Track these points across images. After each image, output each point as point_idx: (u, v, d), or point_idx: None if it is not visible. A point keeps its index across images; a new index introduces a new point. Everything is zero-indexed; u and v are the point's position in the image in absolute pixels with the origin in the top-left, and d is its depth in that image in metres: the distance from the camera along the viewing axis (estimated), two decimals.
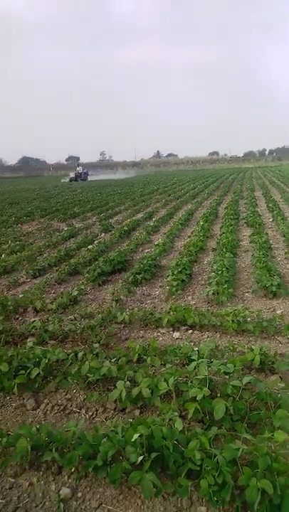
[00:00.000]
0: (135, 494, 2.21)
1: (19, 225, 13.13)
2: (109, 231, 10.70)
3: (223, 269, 5.77)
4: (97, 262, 6.72)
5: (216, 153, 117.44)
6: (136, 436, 2.24)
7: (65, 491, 2.24)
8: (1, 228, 12.13)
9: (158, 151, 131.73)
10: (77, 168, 55.79)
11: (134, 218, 12.63)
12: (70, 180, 50.54)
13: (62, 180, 49.40)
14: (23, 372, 3.26)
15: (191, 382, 2.85)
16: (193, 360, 3.12)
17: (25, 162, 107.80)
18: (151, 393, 2.86)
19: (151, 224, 10.92)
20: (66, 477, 2.36)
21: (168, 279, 5.65)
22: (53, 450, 2.37)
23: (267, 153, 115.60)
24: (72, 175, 53.11)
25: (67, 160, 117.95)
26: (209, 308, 4.86)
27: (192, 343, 3.85)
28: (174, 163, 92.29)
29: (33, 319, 4.71)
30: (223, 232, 8.88)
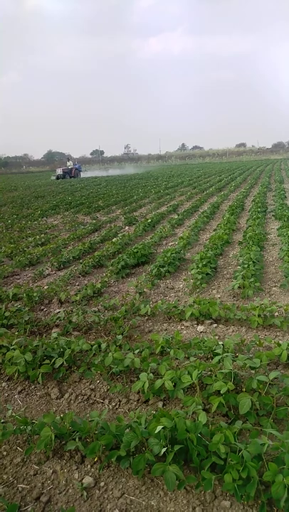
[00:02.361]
0: (158, 486, 2.20)
1: (44, 218, 13.34)
2: (134, 224, 10.69)
3: (250, 262, 5.64)
4: (120, 255, 6.72)
5: (243, 144, 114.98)
6: (159, 428, 2.22)
7: (88, 480, 2.26)
8: (27, 221, 12.36)
9: (183, 144, 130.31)
10: (68, 163, 45.82)
11: (158, 211, 12.57)
12: (57, 177, 41.10)
13: (52, 178, 41.34)
14: (47, 362, 3.31)
15: (215, 376, 2.80)
16: (218, 354, 3.07)
17: (51, 156, 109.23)
18: (174, 386, 2.83)
19: (176, 217, 10.82)
20: (89, 466, 2.37)
21: (192, 272, 5.58)
22: (77, 439, 2.39)
23: None
24: (59, 171, 42.70)
25: (91, 154, 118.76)
26: (235, 302, 4.77)
27: (217, 337, 3.79)
28: (199, 155, 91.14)
29: (58, 310, 4.78)
30: (250, 225, 8.69)
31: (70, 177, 42.29)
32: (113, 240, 8.27)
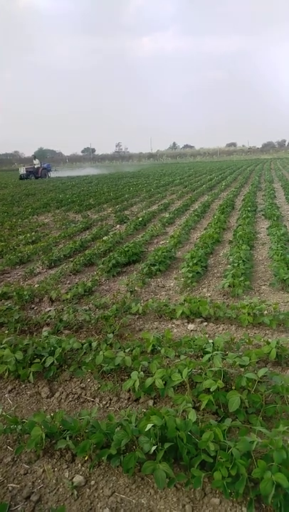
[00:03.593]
0: (148, 484, 2.21)
1: (35, 216, 13.25)
2: (125, 222, 10.68)
3: (240, 261, 5.69)
4: (112, 253, 6.72)
5: (233, 144, 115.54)
6: (149, 426, 2.23)
7: (78, 479, 2.26)
8: (17, 219, 12.26)
9: (174, 143, 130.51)
10: (34, 161, 40.25)
11: (149, 210, 12.57)
12: (20, 177, 36.87)
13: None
14: (38, 360, 3.30)
15: (205, 374, 2.82)
16: (208, 352, 3.10)
17: (42, 154, 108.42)
18: (165, 384, 2.85)
19: (167, 216, 10.84)
20: (80, 465, 2.37)
21: (183, 271, 5.60)
22: (67, 438, 2.39)
23: (287, 144, 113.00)
24: (22, 170, 37.94)
25: (82, 151, 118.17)
26: (225, 300, 4.80)
27: (207, 336, 3.81)
28: (190, 154, 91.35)
29: (48, 309, 4.76)
30: (240, 224, 8.75)
31: (36, 177, 37.72)
32: (104, 239, 8.26)
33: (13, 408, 2.97)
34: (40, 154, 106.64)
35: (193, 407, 2.54)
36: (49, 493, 2.21)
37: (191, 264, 5.72)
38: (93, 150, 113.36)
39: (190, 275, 5.37)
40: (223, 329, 4.03)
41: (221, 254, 6.92)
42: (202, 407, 2.61)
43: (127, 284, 5.31)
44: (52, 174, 42.46)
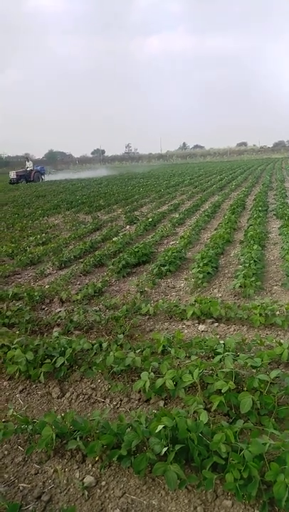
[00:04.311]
0: (159, 485, 2.19)
1: (46, 217, 13.34)
2: (134, 223, 10.68)
3: (251, 261, 5.63)
4: (121, 254, 6.72)
5: (244, 144, 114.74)
6: (160, 427, 2.22)
7: (89, 479, 2.26)
8: (28, 221, 12.36)
9: (184, 143, 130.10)
10: (27, 164, 37.37)
11: (159, 210, 12.56)
12: (11, 182, 34.17)
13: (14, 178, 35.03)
14: (48, 361, 3.31)
15: (217, 375, 2.80)
16: (219, 353, 3.06)
17: (52, 156, 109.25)
18: (176, 385, 2.83)
19: (177, 216, 10.81)
20: (90, 465, 2.37)
21: (193, 272, 5.57)
22: (78, 439, 2.39)
23: None
24: (12, 175, 35.07)
25: (92, 153, 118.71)
26: (236, 301, 4.76)
27: (218, 336, 3.78)
28: (200, 155, 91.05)
29: (59, 310, 4.78)
30: (251, 224, 8.68)
31: (28, 181, 35.15)
32: (114, 239, 8.27)
33: (24, 408, 2.98)
34: (50, 156, 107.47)
35: (204, 409, 2.52)
36: (60, 493, 2.20)
37: (201, 264, 5.69)
38: (103, 151, 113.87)
39: (200, 276, 5.34)
40: (235, 330, 3.99)
41: (231, 255, 6.87)
42: (213, 408, 2.59)
43: (137, 285, 5.30)
44: (58, 176, 41.46)
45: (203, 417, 2.34)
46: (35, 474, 2.35)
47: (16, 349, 3.39)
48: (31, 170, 36.49)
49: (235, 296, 4.94)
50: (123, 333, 3.84)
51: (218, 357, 2.95)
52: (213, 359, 3.09)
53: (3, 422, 2.66)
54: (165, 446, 2.16)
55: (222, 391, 2.60)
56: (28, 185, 32.66)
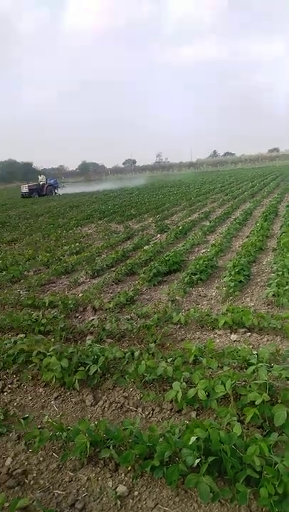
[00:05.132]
0: (192, 497, 2.18)
1: (79, 227, 13.64)
2: (165, 232, 10.71)
3: (284, 269, 5.50)
4: (152, 263, 6.76)
5: (276, 149, 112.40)
6: (193, 438, 2.21)
7: (121, 489, 2.27)
8: (62, 231, 12.68)
9: (214, 151, 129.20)
10: (39, 178, 37.34)
11: (190, 219, 12.54)
12: (22, 196, 34.14)
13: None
14: (82, 368, 3.37)
15: (250, 386, 2.75)
16: (252, 364, 3.01)
17: (85, 167, 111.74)
18: (208, 396, 2.80)
19: (208, 224, 10.75)
20: (123, 475, 2.39)
21: (225, 280, 5.51)
22: (111, 447, 2.41)
23: None
24: (24, 189, 35.04)
25: (124, 163, 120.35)
26: (269, 310, 4.66)
27: (251, 346, 3.71)
28: (231, 162, 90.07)
29: (92, 318, 4.86)
30: (284, 232, 8.47)
31: (41, 195, 35.03)
32: (145, 248, 8.33)
33: (58, 415, 3.05)
34: (84, 167, 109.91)
35: (237, 421, 2.48)
36: (93, 501, 2.23)
37: (233, 272, 5.62)
38: (134, 161, 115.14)
39: (232, 284, 5.27)
40: (268, 340, 3.91)
41: (264, 263, 6.73)
42: (247, 420, 2.54)
43: (168, 294, 5.31)
44: (90, 188, 40.38)
45: (237, 429, 2.31)
46: (70, 481, 2.39)
47: (51, 356, 3.48)
48: (44, 184, 36.50)
49: (268, 305, 4.84)
50: (154, 342, 3.86)
51: (252, 368, 2.90)
52: (246, 370, 3.04)
53: (39, 428, 2.74)
54: (198, 458, 2.15)
55: (256, 403, 2.55)
56: (62, 196, 33.58)
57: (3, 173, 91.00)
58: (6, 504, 2.19)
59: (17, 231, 13.55)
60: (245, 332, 4.10)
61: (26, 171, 71.82)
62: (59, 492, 2.31)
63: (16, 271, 7.33)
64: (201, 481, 2.04)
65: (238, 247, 8.10)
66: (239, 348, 3.47)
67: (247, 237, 8.78)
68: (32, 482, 2.41)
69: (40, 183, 36.68)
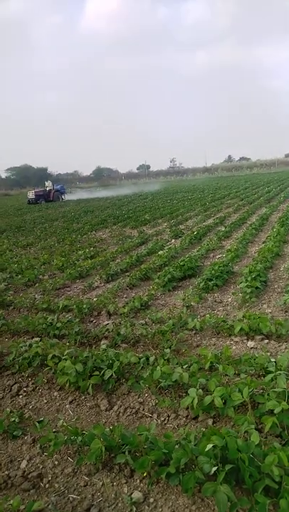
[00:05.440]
0: (208, 506, 2.14)
1: (93, 232, 13.72)
2: (180, 237, 10.68)
3: None
4: (167, 268, 6.73)
5: None
6: (210, 446, 2.17)
7: (137, 495, 2.25)
8: (77, 235, 12.78)
9: (229, 156, 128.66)
10: (46, 184, 37.26)
11: (204, 224, 12.48)
12: (29, 202, 33.72)
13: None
14: (97, 373, 3.36)
15: (268, 394, 2.69)
16: (271, 371, 2.96)
17: (99, 172, 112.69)
18: (225, 403, 2.76)
19: (223, 229, 10.67)
20: (138, 481, 2.36)
21: (241, 286, 5.45)
22: (126, 453, 2.40)
23: None
24: (30, 195, 34.64)
25: (138, 168, 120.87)
26: (287, 317, 4.58)
27: (268, 354, 3.65)
28: (246, 167, 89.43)
29: (106, 322, 4.86)
30: None
31: (47, 201, 34.68)
32: (160, 253, 8.31)
33: (73, 419, 3.04)
34: (98, 172, 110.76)
35: (255, 429, 2.43)
36: (108, 507, 2.21)
37: (249, 278, 5.55)
38: (148, 166, 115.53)
39: (249, 290, 5.21)
40: (286, 347, 3.83)
41: (281, 269, 6.64)
42: (266, 430, 2.49)
43: (183, 299, 5.28)
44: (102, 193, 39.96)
45: (255, 438, 2.26)
46: (85, 486, 2.38)
47: (66, 360, 3.48)
48: (50, 189, 36.05)
49: (286, 312, 4.76)
50: (170, 348, 3.83)
51: (270, 376, 2.85)
52: (264, 378, 2.98)
53: (54, 432, 2.74)
54: (215, 466, 2.11)
55: (274, 412, 2.50)
56: (77, 201, 33.87)
57: (19, 178, 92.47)
58: (22, 507, 2.19)
59: (32, 235, 13.71)
60: (262, 339, 4.04)
61: (41, 176, 72.90)
62: (74, 496, 2.30)
63: (31, 275, 7.40)
64: (219, 490, 2.00)
65: (254, 252, 8.01)
66: (256, 355, 3.41)
67: (263, 243, 8.67)
68: (47, 485, 2.41)
69: (47, 188, 36.24)
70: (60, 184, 40.36)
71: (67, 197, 38.08)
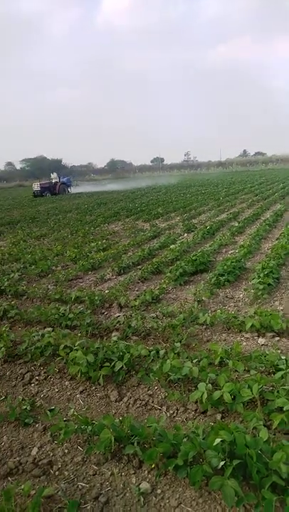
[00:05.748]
0: (215, 500, 2.16)
1: (106, 224, 13.76)
2: (192, 231, 10.64)
3: None
4: (179, 262, 6.73)
5: None
6: (218, 440, 2.19)
7: (145, 486, 2.28)
8: (90, 227, 12.84)
9: (244, 150, 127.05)
10: (52, 176, 36.55)
11: (217, 219, 12.40)
12: (34, 194, 33.01)
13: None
14: (107, 364, 3.41)
15: (278, 392, 2.69)
16: (281, 369, 2.96)
17: (113, 164, 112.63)
18: (234, 399, 2.77)
19: (236, 225, 10.59)
20: (146, 472, 2.39)
21: (253, 282, 5.42)
22: (135, 444, 2.43)
23: None
24: (35, 187, 33.73)
25: (152, 161, 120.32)
26: None
27: (279, 351, 3.64)
28: (261, 162, 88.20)
29: (118, 314, 4.90)
30: None
31: (53, 194, 33.91)
32: (172, 247, 8.30)
33: (84, 409, 3.09)
34: (112, 165, 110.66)
35: (263, 425, 2.44)
36: (116, 496, 2.25)
37: (262, 275, 5.51)
38: (162, 160, 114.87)
39: (261, 287, 5.17)
40: None
41: None
42: (274, 426, 2.49)
43: (195, 294, 5.28)
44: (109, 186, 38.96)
45: (263, 434, 2.27)
46: (93, 475, 2.42)
47: (77, 351, 3.53)
48: (56, 182, 35.30)
49: None
50: (180, 342, 3.84)
51: (280, 373, 2.85)
52: (274, 375, 2.98)
53: (65, 420, 2.79)
54: (222, 460, 2.13)
55: (284, 409, 2.50)
56: (90, 193, 33.94)
57: (33, 169, 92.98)
58: (33, 492, 2.25)
59: (46, 226, 13.83)
60: (273, 336, 4.02)
61: (56, 167, 73.15)
62: (83, 484, 2.35)
63: (44, 265, 7.48)
64: (226, 484, 2.02)
65: (268, 249, 7.94)
66: (267, 352, 3.41)
67: (277, 240, 8.59)
68: (57, 473, 2.46)
69: (53, 181, 35.56)
70: (67, 176, 39.49)
71: (73, 190, 37.54)
